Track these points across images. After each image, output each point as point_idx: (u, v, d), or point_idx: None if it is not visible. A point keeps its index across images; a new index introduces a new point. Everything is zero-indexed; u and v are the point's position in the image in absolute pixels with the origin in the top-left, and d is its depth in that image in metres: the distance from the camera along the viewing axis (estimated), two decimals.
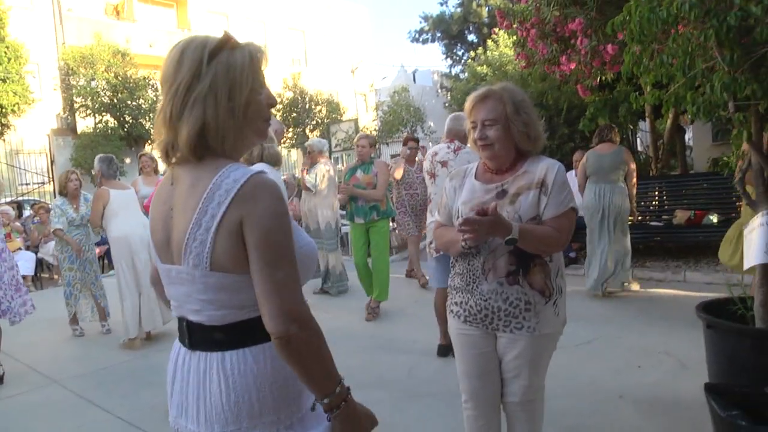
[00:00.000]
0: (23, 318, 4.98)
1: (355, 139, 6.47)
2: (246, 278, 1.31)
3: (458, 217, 2.26)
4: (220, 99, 1.32)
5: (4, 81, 13.67)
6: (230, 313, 1.35)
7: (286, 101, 22.66)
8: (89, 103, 17.87)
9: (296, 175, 10.39)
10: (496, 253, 2.19)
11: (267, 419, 1.37)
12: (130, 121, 18.59)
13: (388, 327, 5.74)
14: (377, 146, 21.07)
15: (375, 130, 21.97)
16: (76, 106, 18.27)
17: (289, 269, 1.30)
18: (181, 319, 1.46)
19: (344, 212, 6.46)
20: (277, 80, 23.52)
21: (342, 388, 1.35)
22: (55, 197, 6.15)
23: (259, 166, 3.23)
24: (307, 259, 1.46)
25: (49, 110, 18.79)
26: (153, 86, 19.02)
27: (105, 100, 18.15)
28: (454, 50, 33.61)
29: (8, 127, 14.33)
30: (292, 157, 24.47)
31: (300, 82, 23.02)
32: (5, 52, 13.93)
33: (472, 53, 23.84)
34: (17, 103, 13.89)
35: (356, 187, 6.02)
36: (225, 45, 1.36)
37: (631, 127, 9.40)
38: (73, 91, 17.92)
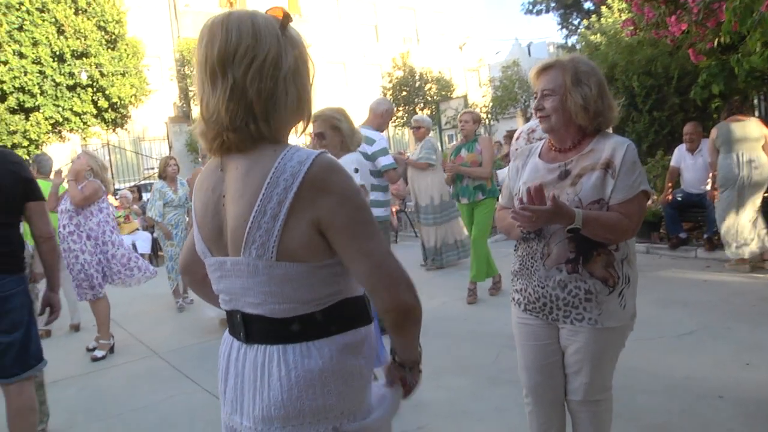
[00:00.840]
0: (141, 281, 5.45)
1: (458, 116, 6.28)
2: (315, 269, 1.25)
3: (518, 198, 2.09)
4: (304, 81, 1.28)
5: (123, 75, 14.57)
6: (294, 306, 1.27)
7: (396, 80, 22.69)
8: None
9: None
10: (555, 238, 2.02)
11: (331, 414, 1.30)
12: None
13: (484, 310, 5.54)
14: (488, 122, 20.65)
15: (485, 106, 21.39)
16: (190, 94, 19.32)
17: (383, 241, 1.28)
18: (234, 312, 1.37)
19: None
20: (386, 60, 23.61)
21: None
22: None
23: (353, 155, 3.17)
24: None
25: (167, 100, 19.92)
26: None
27: None
28: (570, 19, 31.83)
29: (128, 118, 15.33)
30: (405, 136, 24.53)
31: (409, 61, 22.93)
32: (125, 49, 14.82)
33: (586, 21, 22.57)
34: (134, 95, 14.80)
35: (461, 166, 5.83)
36: (288, 21, 1.28)
37: (760, 94, 8.38)
38: (188, 80, 18.95)
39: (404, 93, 22.36)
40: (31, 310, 2.90)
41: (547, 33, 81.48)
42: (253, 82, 1.21)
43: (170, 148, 18.54)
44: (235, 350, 1.39)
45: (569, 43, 27.84)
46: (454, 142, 7.00)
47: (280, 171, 1.21)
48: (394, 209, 10.38)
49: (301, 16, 24.79)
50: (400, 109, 22.38)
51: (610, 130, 2.15)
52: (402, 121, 22.52)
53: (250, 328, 1.33)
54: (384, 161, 4.71)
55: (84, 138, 15.03)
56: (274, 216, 1.20)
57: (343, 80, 25.34)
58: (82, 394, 4.32)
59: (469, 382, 3.79)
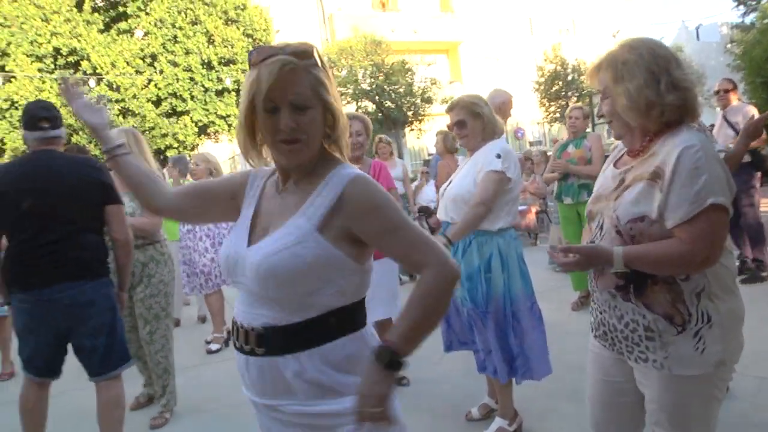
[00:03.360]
0: None
1: (567, 111, 5.73)
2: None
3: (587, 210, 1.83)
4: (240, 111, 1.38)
5: None
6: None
7: (548, 74, 21.81)
8: (350, 91, 19.40)
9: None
10: None
11: None
12: (389, 105, 19.62)
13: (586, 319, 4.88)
14: None
15: None
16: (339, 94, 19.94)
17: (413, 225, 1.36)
18: None
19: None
20: (539, 53, 22.75)
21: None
22: None
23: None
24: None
25: None
26: (410, 70, 19.85)
27: (365, 87, 19.48)
28: None
29: None
30: (561, 132, 23.51)
31: (561, 53, 21.88)
32: None
33: None
34: None
35: (569, 163, 5.36)
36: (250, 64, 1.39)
37: None
38: (336, 80, 19.58)
39: (555, 87, 21.35)
40: (115, 313, 3.00)
41: (719, 11, 73.08)
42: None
43: None
44: None
45: (746, 22, 24.58)
46: (562, 139, 6.33)
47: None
48: (533, 209, 9.76)
49: (453, 13, 24.63)
50: (552, 103, 21.45)
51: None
52: (554, 116, 21.52)
53: None
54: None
55: (230, 140, 16.05)
56: None
57: (496, 76, 24.70)
58: (187, 386, 4.30)
59: (541, 394, 3.33)
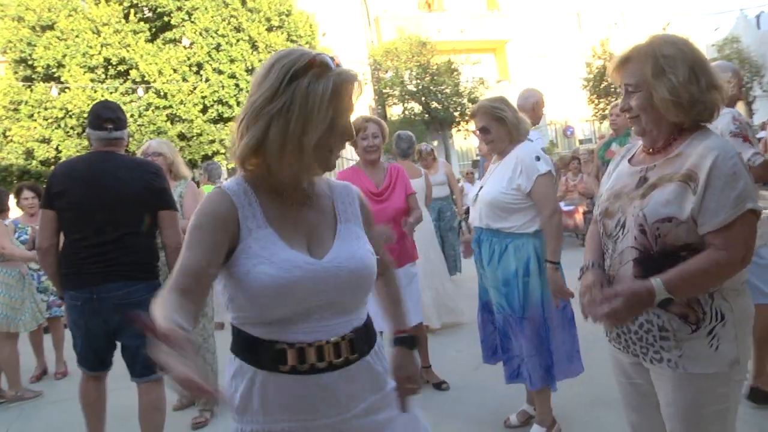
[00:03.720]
0: None
1: (609, 108, 5.57)
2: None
3: (599, 213, 1.78)
4: (293, 127, 1.26)
5: None
6: None
7: (596, 71, 21.31)
8: (396, 92, 19.41)
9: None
10: (621, 257, 1.66)
11: None
12: (436, 106, 19.55)
13: None
14: None
15: None
16: (384, 96, 20.04)
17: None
18: None
19: None
20: (587, 49, 22.28)
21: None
22: None
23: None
24: (253, 288, 1.27)
25: (362, 103, 20.79)
26: (457, 71, 19.77)
27: (411, 88, 19.46)
28: None
29: None
30: (607, 129, 22.88)
31: (609, 48, 21.33)
32: None
33: None
34: None
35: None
36: (309, 69, 1.28)
37: None
38: (381, 82, 19.65)
39: (604, 84, 20.81)
40: None
41: None
42: (245, 112, 1.31)
43: None
44: None
45: None
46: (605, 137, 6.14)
47: None
48: (580, 209, 9.58)
49: (499, 11, 24.35)
50: (601, 100, 20.95)
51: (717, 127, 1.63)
52: (603, 113, 21.00)
53: None
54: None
55: None
56: None
57: (544, 74, 24.28)
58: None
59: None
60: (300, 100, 1.25)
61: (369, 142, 3.61)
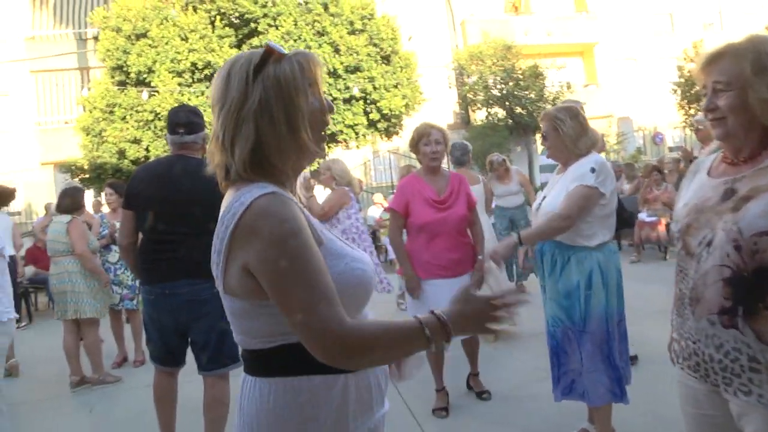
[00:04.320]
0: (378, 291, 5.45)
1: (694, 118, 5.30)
2: (254, 306, 1.24)
3: (677, 224, 1.67)
4: (277, 116, 1.24)
5: (395, 87, 15.52)
6: (244, 339, 1.31)
7: (687, 75, 20.28)
8: (480, 97, 19.23)
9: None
10: (706, 278, 1.53)
11: None
12: (520, 111, 19.22)
13: None
14: None
15: None
16: (468, 101, 19.91)
17: (305, 294, 1.14)
18: None
19: None
20: (680, 51, 21.26)
21: (432, 328, 1.18)
22: None
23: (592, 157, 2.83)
24: (351, 287, 1.25)
25: (446, 107, 20.66)
26: (542, 75, 19.40)
27: (495, 93, 19.24)
28: None
29: (401, 128, 16.25)
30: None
31: (703, 50, 20.18)
32: (397, 62, 15.79)
33: None
34: (406, 105, 15.65)
35: None
36: (268, 59, 1.26)
37: None
38: (465, 87, 19.52)
39: (697, 88, 19.75)
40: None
41: None
42: (222, 125, 1.26)
43: None
44: None
45: None
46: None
47: (227, 210, 1.25)
48: (663, 221, 9.19)
49: (588, 13, 23.65)
50: (692, 106, 19.91)
51: None
52: (691, 119, 19.95)
53: None
54: None
55: (358, 147, 16.36)
56: (218, 252, 1.26)
57: (634, 77, 23.34)
58: None
59: None
60: (274, 88, 1.23)
61: (432, 148, 3.59)
